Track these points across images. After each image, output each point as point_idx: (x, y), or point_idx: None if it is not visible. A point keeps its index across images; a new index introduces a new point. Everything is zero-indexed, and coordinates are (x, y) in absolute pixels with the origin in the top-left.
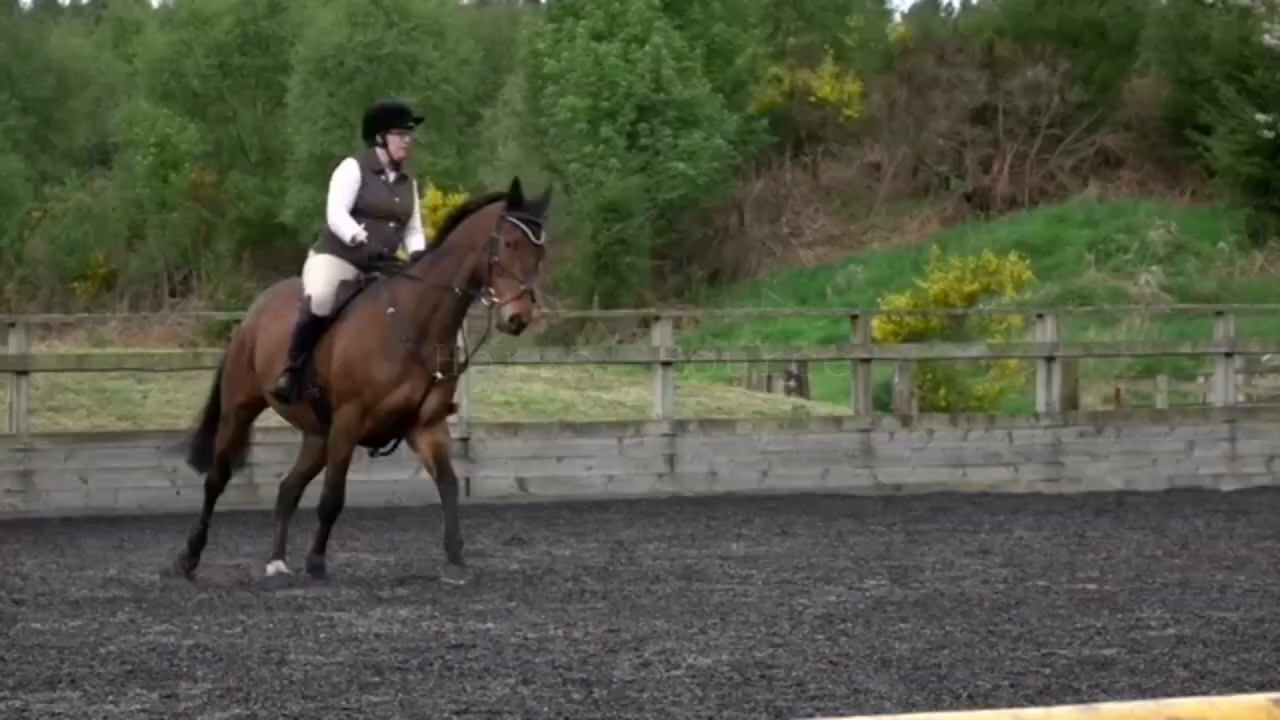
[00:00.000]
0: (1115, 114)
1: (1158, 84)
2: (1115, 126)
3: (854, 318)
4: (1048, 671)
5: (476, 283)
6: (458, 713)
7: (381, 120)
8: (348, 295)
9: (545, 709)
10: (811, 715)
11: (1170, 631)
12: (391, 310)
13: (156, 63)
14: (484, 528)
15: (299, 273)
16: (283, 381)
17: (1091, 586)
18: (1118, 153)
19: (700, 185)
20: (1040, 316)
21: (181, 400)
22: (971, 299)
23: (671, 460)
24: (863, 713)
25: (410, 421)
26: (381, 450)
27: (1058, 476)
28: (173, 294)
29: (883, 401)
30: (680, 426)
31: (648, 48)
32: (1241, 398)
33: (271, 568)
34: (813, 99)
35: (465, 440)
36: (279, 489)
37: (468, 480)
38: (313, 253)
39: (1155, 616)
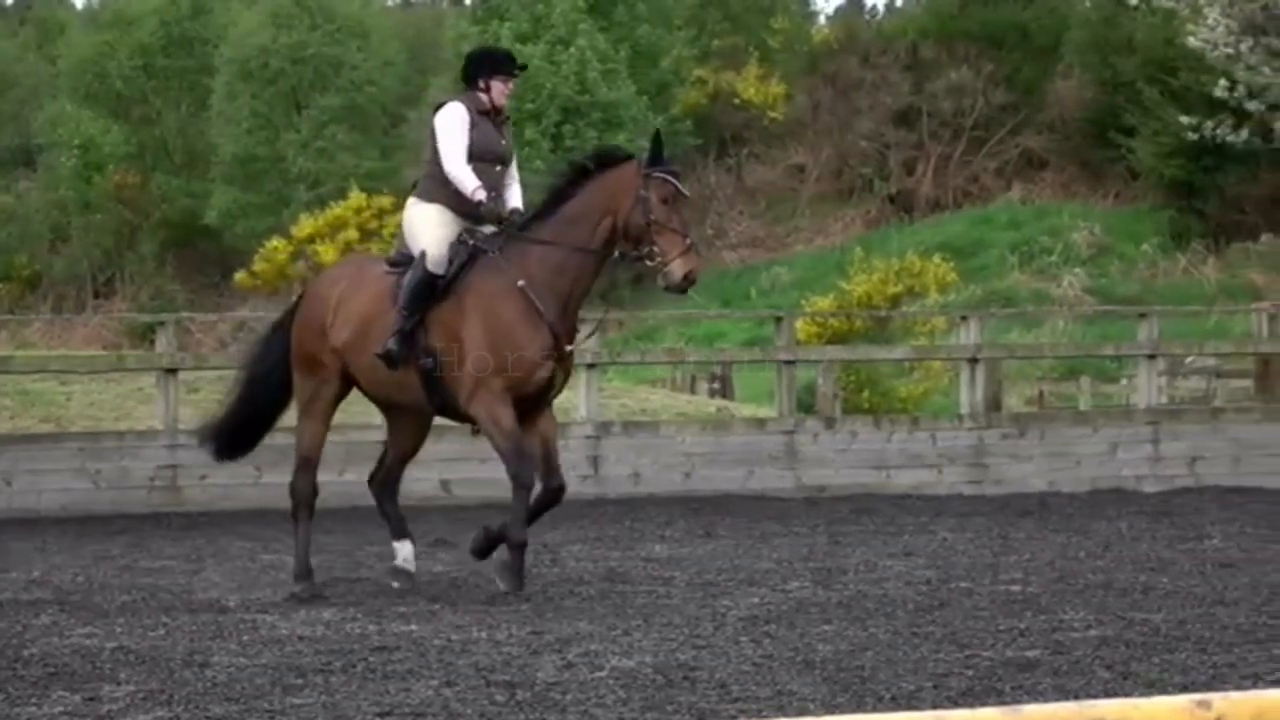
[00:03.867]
0: (1039, 116)
1: (1081, 86)
2: (1039, 128)
3: (778, 320)
4: (971, 673)
5: (611, 244)
6: (381, 715)
7: (487, 65)
8: (460, 261)
9: (469, 711)
10: (735, 717)
11: (1093, 633)
12: (522, 282)
13: (80, 64)
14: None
15: (224, 273)
16: (392, 344)
17: (1015, 588)
18: (1041, 155)
19: None
20: (964, 318)
21: (105, 402)
22: (895, 301)
23: (595, 462)
24: (786, 714)
25: (533, 402)
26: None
27: (981, 478)
28: (96, 296)
29: (806, 403)
30: (604, 428)
31: (572, 50)
32: (1164, 399)
33: (399, 552)
34: (737, 101)
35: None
36: (370, 484)
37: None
38: (417, 200)
39: (1078, 618)
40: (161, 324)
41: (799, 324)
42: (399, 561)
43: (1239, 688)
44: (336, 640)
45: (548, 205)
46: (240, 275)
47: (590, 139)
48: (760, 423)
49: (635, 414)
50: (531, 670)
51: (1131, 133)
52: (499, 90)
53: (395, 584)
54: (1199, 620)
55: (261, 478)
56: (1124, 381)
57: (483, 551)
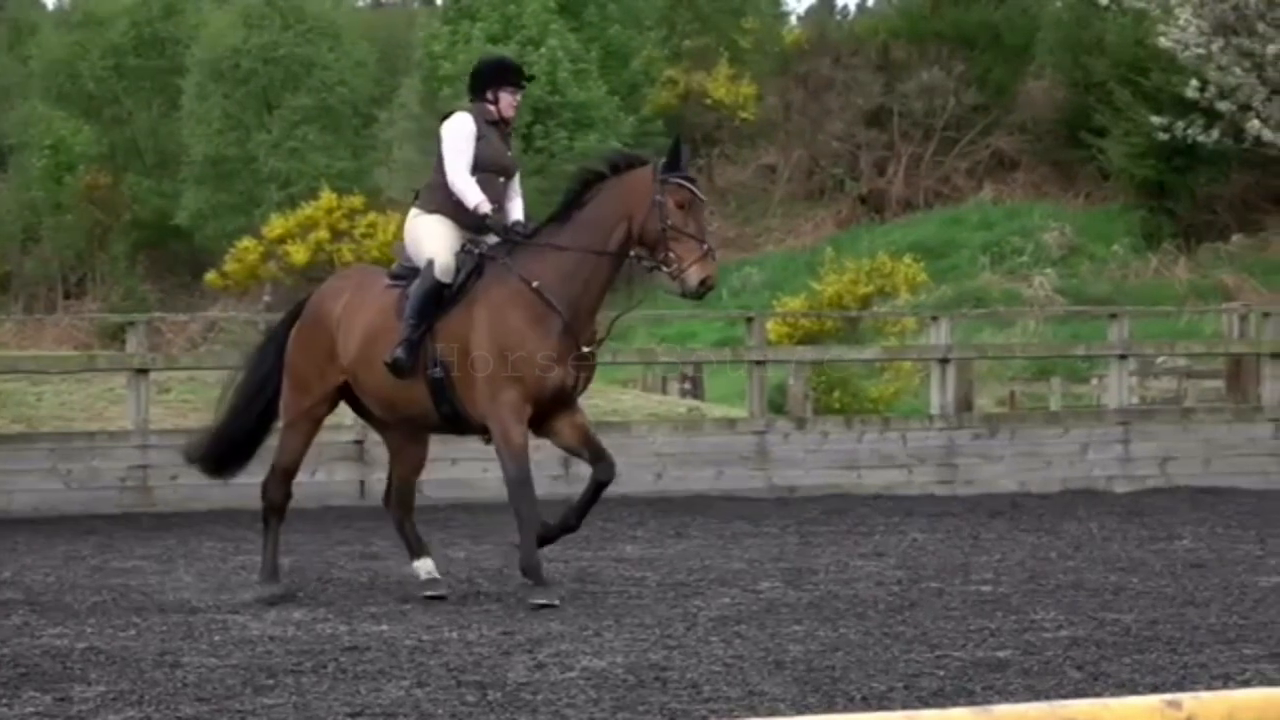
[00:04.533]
0: (1010, 116)
1: (1053, 87)
2: (1010, 129)
3: (749, 320)
4: (942, 673)
5: (626, 249)
6: (352, 715)
7: (494, 77)
8: (467, 270)
9: (440, 711)
10: (706, 717)
11: (1064, 633)
12: (536, 284)
13: (52, 64)
14: (378, 530)
15: (195, 273)
16: (400, 352)
17: (986, 588)
18: (1013, 155)
19: None
20: (934, 319)
21: (76, 403)
22: (866, 301)
23: (566, 462)
24: (757, 714)
25: (554, 405)
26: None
27: (952, 479)
28: (67, 296)
29: (777, 404)
30: None
31: (543, 50)
32: (1135, 400)
33: (418, 565)
34: (708, 101)
35: (360, 443)
36: (385, 504)
37: (362, 483)
38: (419, 210)
39: (1049, 618)
40: (132, 324)
41: (770, 324)
42: (424, 575)
43: (1210, 688)
44: (307, 641)
45: (561, 211)
46: (211, 275)
47: (561, 139)
48: (731, 423)
49: (606, 414)
50: (503, 670)
51: (1103, 133)
52: (507, 102)
53: (432, 593)
54: (1170, 620)
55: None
56: (1095, 382)
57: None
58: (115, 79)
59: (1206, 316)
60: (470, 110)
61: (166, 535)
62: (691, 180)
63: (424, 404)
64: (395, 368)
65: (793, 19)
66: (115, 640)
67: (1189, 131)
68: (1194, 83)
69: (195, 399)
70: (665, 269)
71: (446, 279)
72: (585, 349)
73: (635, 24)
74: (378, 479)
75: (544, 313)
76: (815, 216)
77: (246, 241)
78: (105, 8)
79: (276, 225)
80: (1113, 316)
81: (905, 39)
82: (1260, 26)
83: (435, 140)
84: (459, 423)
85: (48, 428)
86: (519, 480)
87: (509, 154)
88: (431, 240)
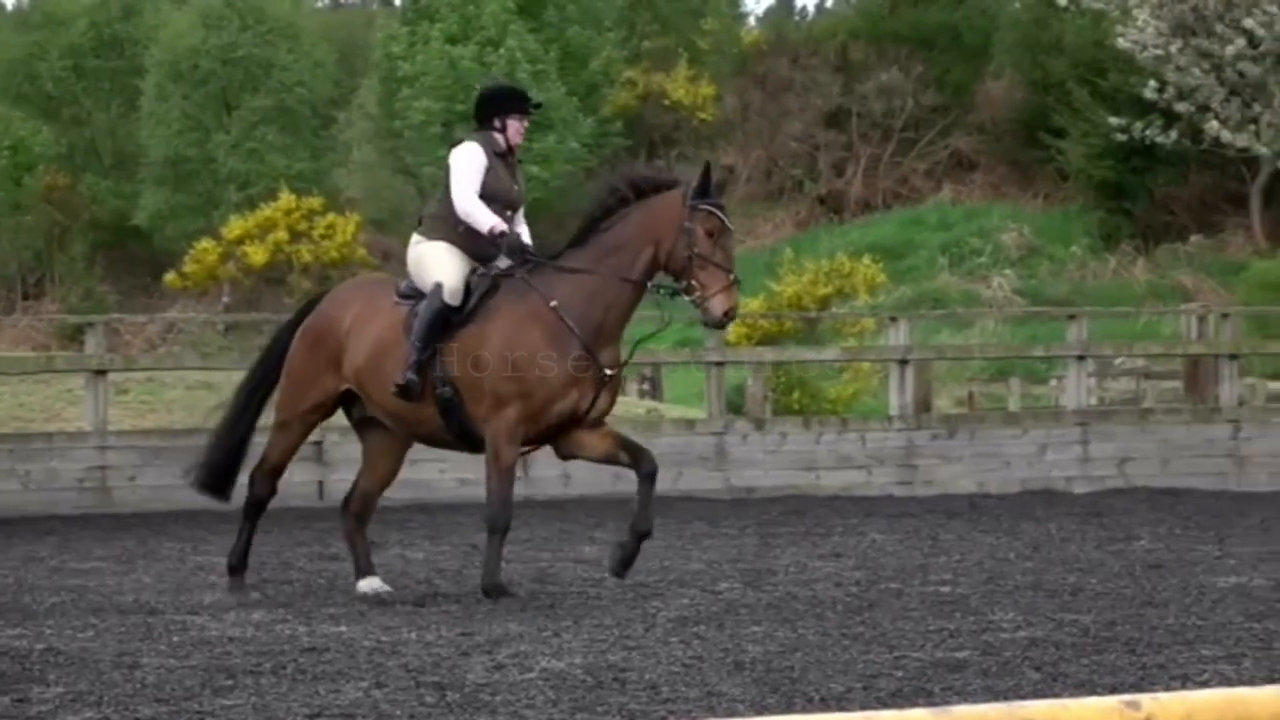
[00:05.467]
0: (969, 117)
1: (1011, 87)
2: (969, 130)
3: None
4: (900, 674)
5: (651, 275)
6: (311, 716)
7: (502, 104)
8: (480, 290)
9: (398, 712)
10: (665, 718)
11: (1022, 634)
12: (555, 304)
13: (10, 65)
14: (337, 531)
15: (154, 274)
16: (411, 376)
17: (944, 589)
18: (971, 156)
19: (554, 189)
20: (893, 319)
21: (34, 404)
22: (825, 302)
23: (524, 463)
24: (715, 715)
25: (569, 426)
26: (522, 450)
27: (910, 479)
28: (26, 297)
29: (736, 404)
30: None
31: (502, 51)
32: (1093, 400)
33: (365, 585)
34: (667, 102)
35: (319, 444)
36: (342, 509)
37: (321, 484)
38: (421, 238)
39: (1007, 619)
40: (91, 325)
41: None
42: (370, 591)
43: (1168, 688)
44: (266, 641)
45: (583, 233)
46: (170, 276)
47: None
48: (690, 424)
49: None
50: (461, 671)
51: (1061, 134)
52: (515, 129)
53: (377, 594)
54: (1128, 621)
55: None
56: (1053, 383)
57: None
58: (74, 79)
59: (1165, 317)
60: (479, 140)
61: (125, 536)
62: (721, 208)
63: (433, 421)
64: (405, 392)
65: (751, 20)
66: (74, 641)
67: (1147, 132)
68: (1152, 83)
69: (153, 400)
70: (688, 296)
71: (454, 302)
72: (608, 371)
73: (594, 25)
74: (336, 480)
75: (561, 333)
76: (774, 217)
77: (205, 242)
78: (64, 8)
79: (235, 226)
80: (1071, 317)
81: (864, 40)
82: (1219, 27)
83: (442, 170)
84: (471, 441)
85: (6, 429)
86: (501, 499)
87: (516, 187)
88: (439, 265)
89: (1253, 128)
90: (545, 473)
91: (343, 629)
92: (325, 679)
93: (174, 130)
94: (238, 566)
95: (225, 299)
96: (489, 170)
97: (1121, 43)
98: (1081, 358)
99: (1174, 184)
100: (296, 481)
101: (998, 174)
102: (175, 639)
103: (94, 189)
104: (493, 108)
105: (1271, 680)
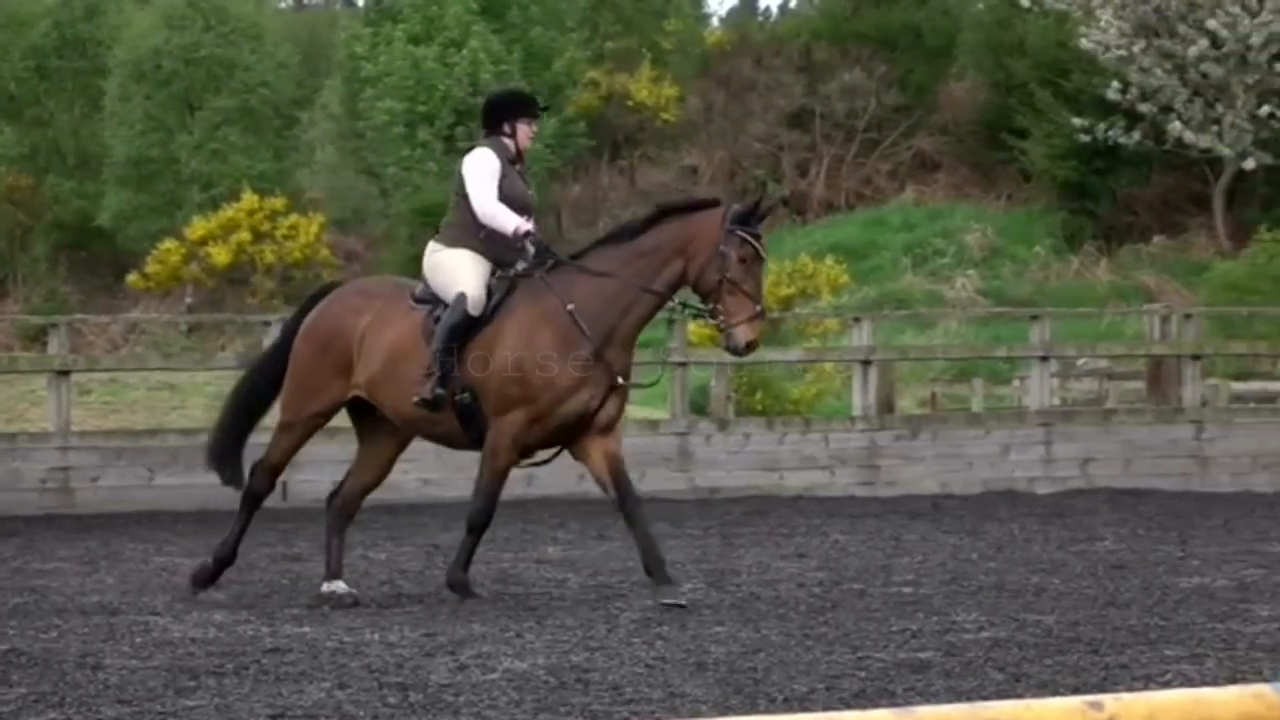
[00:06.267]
0: (932, 118)
1: (974, 88)
2: (932, 130)
3: (671, 321)
4: (863, 674)
5: (674, 290)
6: (273, 717)
7: (510, 109)
8: (501, 292)
9: (361, 713)
10: (627, 719)
11: (985, 634)
12: (571, 307)
13: None
14: (301, 532)
15: (116, 274)
16: (440, 390)
17: (907, 590)
18: (934, 157)
19: None
20: (856, 320)
21: None
22: (788, 303)
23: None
24: (679, 716)
25: (579, 430)
26: (538, 461)
27: (873, 480)
28: None
29: (699, 405)
30: None
31: (465, 51)
32: (1056, 401)
33: (329, 587)
34: (630, 103)
35: None
36: (328, 503)
37: (284, 484)
38: (440, 245)
39: (970, 619)
40: (54, 326)
41: (691, 326)
42: (331, 592)
43: (1131, 689)
44: (229, 642)
45: (614, 235)
46: (133, 277)
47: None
48: (653, 424)
49: None
50: (424, 672)
51: (1024, 135)
52: (525, 133)
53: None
54: (1091, 622)
55: (154, 480)
56: (1016, 383)
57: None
58: (36, 80)
59: (1128, 318)
60: (491, 147)
61: (88, 537)
62: (758, 237)
63: (450, 425)
64: (431, 405)
65: (714, 21)
66: (36, 642)
67: (1110, 133)
68: (1115, 84)
69: (116, 400)
70: (712, 319)
71: (476, 313)
72: (621, 380)
73: (557, 25)
74: (301, 480)
75: (575, 337)
76: None
77: (168, 243)
78: (26, 9)
79: (198, 227)
80: (1034, 318)
81: (827, 40)
82: (1182, 28)
83: (454, 179)
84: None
85: None
86: (487, 495)
87: (529, 193)
88: (461, 273)
89: (1215, 128)
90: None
91: (306, 630)
92: (288, 680)
93: (137, 131)
94: (225, 559)
95: (188, 300)
96: (504, 177)
97: (1084, 43)
98: (1044, 358)
99: (1137, 185)
100: None
101: (961, 175)
102: (138, 640)
103: (57, 189)
104: (502, 113)
105: (1234, 680)
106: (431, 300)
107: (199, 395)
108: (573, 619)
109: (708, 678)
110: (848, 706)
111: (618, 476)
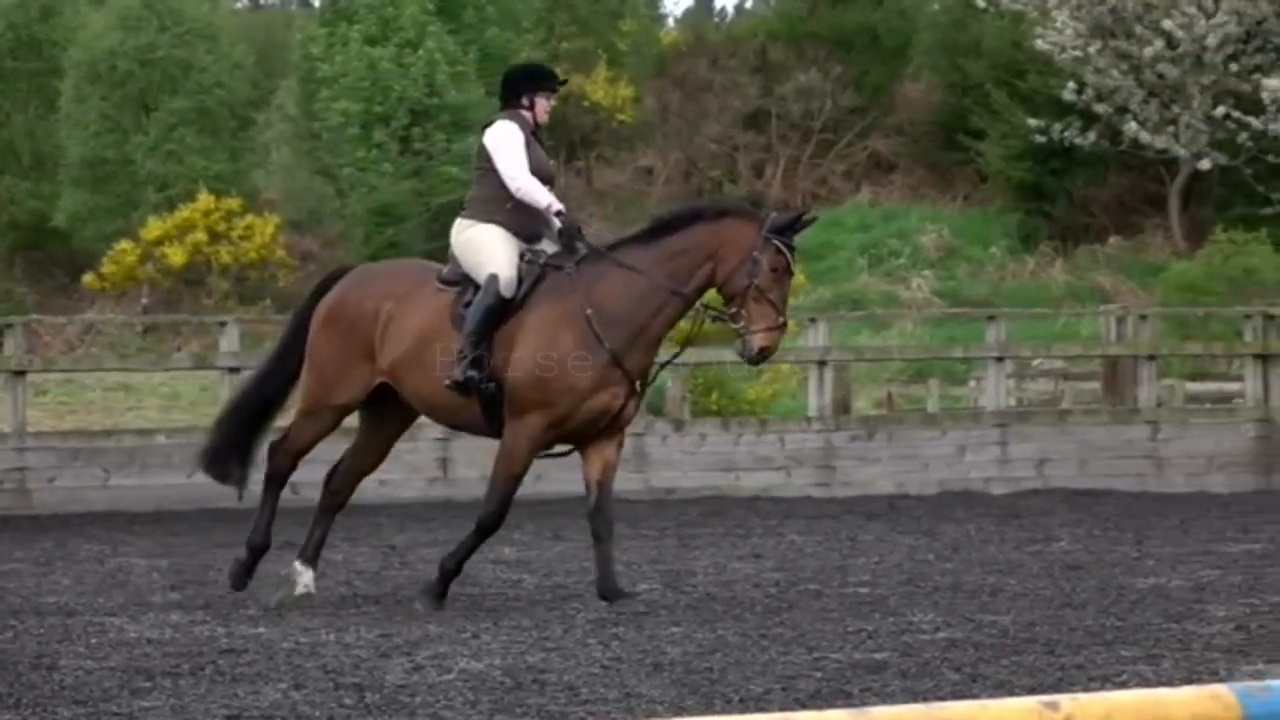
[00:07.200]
0: (888, 119)
1: (930, 89)
2: (888, 131)
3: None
4: (819, 675)
5: (702, 292)
6: (229, 718)
7: (529, 82)
8: (531, 280)
9: (317, 714)
10: (584, 719)
11: (941, 635)
12: (590, 311)
13: None
14: None
15: (72, 275)
16: (472, 372)
17: (863, 590)
18: (890, 157)
19: None
20: (812, 321)
21: None
22: None
23: (444, 465)
24: (634, 716)
25: (599, 431)
26: (555, 453)
27: (829, 480)
28: None
29: (655, 406)
30: (453, 431)
31: (421, 52)
32: (1012, 401)
33: (299, 573)
34: (586, 103)
35: None
36: (325, 483)
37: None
38: (471, 221)
39: (926, 620)
40: (9, 326)
41: None
42: (300, 589)
43: (1087, 689)
44: (185, 643)
45: (648, 232)
46: (89, 278)
47: (439, 141)
48: None
49: None
50: (380, 673)
51: (980, 135)
52: (543, 107)
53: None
54: (1047, 622)
55: (110, 480)
56: (972, 384)
57: (437, 595)
58: None
59: (1083, 319)
60: (512, 119)
61: (44, 538)
62: (792, 249)
63: (472, 413)
64: (462, 388)
65: (670, 21)
66: None
67: (1066, 134)
68: (1071, 85)
69: (72, 401)
70: (732, 324)
71: (509, 294)
72: (638, 384)
73: (513, 26)
74: (257, 480)
75: (591, 340)
76: None
77: (124, 244)
78: None
79: (154, 227)
80: (990, 319)
81: (782, 41)
82: (1138, 29)
83: (478, 154)
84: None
85: None
86: (501, 499)
87: (551, 162)
88: (492, 254)
89: (1171, 129)
90: (466, 473)
91: (261, 630)
92: (244, 680)
93: (92, 132)
94: (259, 546)
95: (144, 300)
96: (528, 147)
97: (1040, 44)
98: (1000, 359)
99: (1093, 185)
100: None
101: (916, 175)
102: (94, 640)
103: (12, 190)
104: (521, 86)
105: (1190, 681)
106: (460, 281)
107: (155, 396)
108: (528, 619)
109: (664, 678)
110: (804, 707)
111: (603, 488)
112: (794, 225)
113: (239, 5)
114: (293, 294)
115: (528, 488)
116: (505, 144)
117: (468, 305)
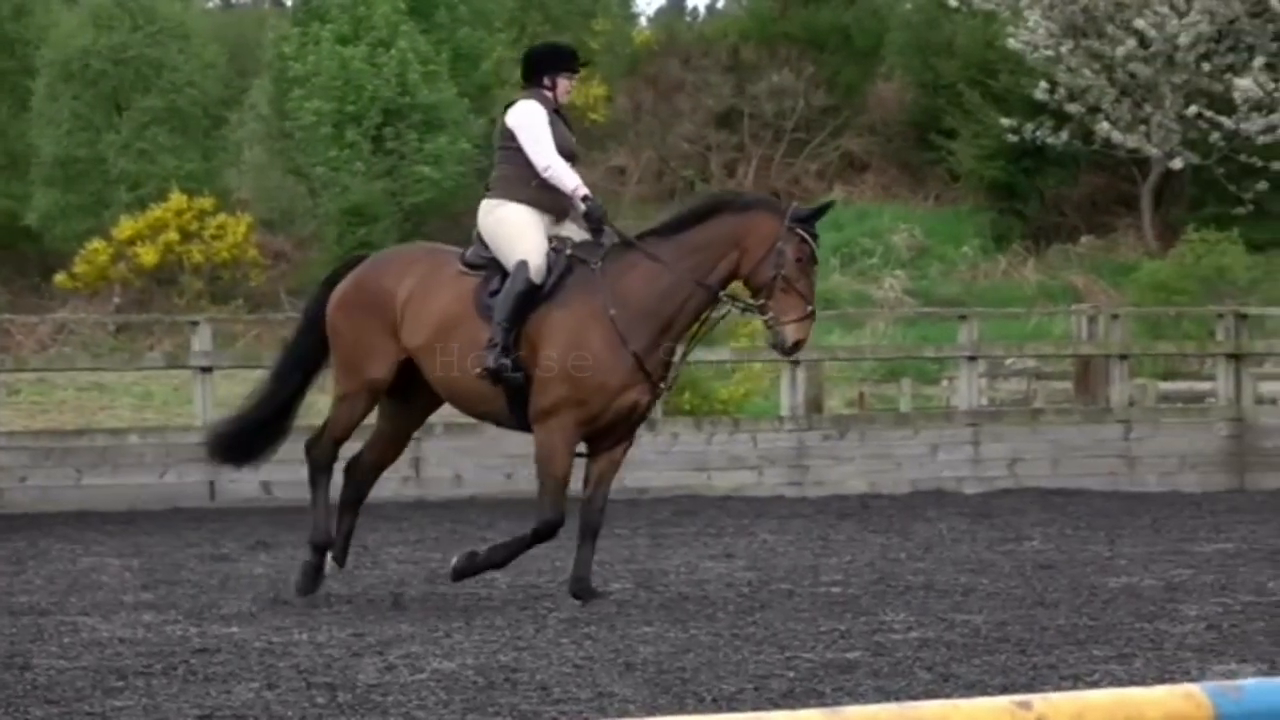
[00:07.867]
0: (860, 118)
1: (902, 88)
2: (860, 131)
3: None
4: (792, 674)
5: (727, 284)
6: (202, 717)
7: (551, 62)
8: (559, 271)
9: (290, 713)
10: (556, 719)
11: (914, 634)
12: (614, 311)
13: None
14: (229, 531)
15: (44, 274)
16: (506, 360)
17: (835, 589)
18: (862, 157)
19: (446, 189)
20: None
21: None
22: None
23: (417, 464)
24: (607, 716)
25: (622, 428)
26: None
27: (802, 480)
28: None
29: None
30: (426, 430)
31: (393, 52)
32: (985, 401)
33: (329, 569)
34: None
35: None
36: (345, 473)
37: (212, 484)
38: (499, 200)
39: (899, 619)
40: None
41: None
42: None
43: (1059, 688)
44: (157, 642)
45: (672, 224)
46: (61, 277)
47: (411, 141)
48: None
49: (458, 415)
50: (353, 672)
51: (952, 135)
52: (564, 87)
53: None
54: (1019, 622)
55: (82, 479)
56: (944, 383)
57: (462, 574)
58: None
59: (1055, 318)
60: (534, 98)
61: (15, 537)
62: (816, 238)
63: (496, 402)
64: (495, 376)
65: (642, 20)
66: None
67: (1038, 133)
68: (1043, 84)
69: (44, 400)
70: (761, 315)
71: (539, 280)
72: (660, 383)
73: (485, 26)
74: (229, 480)
75: (616, 339)
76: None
77: (96, 243)
78: None
79: (126, 227)
80: (962, 318)
81: (755, 41)
82: (1110, 28)
83: (500, 133)
84: (529, 426)
85: None
86: (554, 503)
87: (574, 139)
88: (522, 238)
89: (1143, 128)
90: (437, 473)
91: (234, 630)
92: (216, 680)
93: (64, 130)
94: (323, 543)
95: (116, 299)
96: (552, 125)
97: (1012, 44)
98: (972, 358)
99: (1065, 185)
100: (188, 482)
101: (889, 175)
102: (66, 640)
103: None
104: (542, 66)
105: (1162, 680)
106: (485, 265)
107: (127, 395)
108: (501, 619)
109: (636, 678)
110: (776, 706)
111: (602, 484)
112: (817, 215)
113: (211, 4)
114: (265, 293)
115: (500, 488)
116: (531, 124)
117: (494, 293)
